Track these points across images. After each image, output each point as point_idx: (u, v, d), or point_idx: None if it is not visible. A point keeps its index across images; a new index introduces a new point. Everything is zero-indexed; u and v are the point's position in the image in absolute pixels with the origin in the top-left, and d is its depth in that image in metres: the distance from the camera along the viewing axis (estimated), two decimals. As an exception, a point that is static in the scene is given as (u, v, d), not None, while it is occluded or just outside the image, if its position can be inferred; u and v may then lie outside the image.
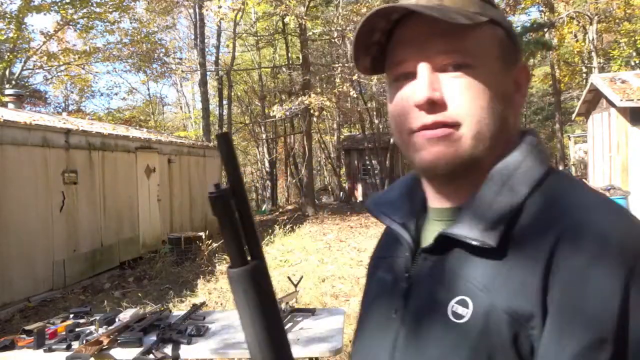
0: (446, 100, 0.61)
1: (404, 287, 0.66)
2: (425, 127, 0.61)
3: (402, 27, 0.64)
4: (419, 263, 0.66)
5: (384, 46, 0.67)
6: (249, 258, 0.56)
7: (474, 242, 0.57)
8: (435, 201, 0.69)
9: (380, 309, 0.70)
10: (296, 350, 2.24)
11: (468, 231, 0.58)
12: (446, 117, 0.61)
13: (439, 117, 0.61)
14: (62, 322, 2.60)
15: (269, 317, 0.56)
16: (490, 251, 0.57)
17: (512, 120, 0.65)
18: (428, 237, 0.66)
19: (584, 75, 21.72)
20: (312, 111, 14.61)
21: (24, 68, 16.81)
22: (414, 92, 0.61)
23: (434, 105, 0.60)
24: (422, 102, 0.60)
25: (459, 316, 0.57)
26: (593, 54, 19.43)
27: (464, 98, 0.61)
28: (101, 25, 16.98)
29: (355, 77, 14.94)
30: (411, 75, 0.63)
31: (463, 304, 0.57)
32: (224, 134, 0.55)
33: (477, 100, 0.61)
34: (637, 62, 19.65)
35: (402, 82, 0.64)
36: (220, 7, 13.36)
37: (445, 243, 0.61)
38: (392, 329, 0.65)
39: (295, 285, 2.87)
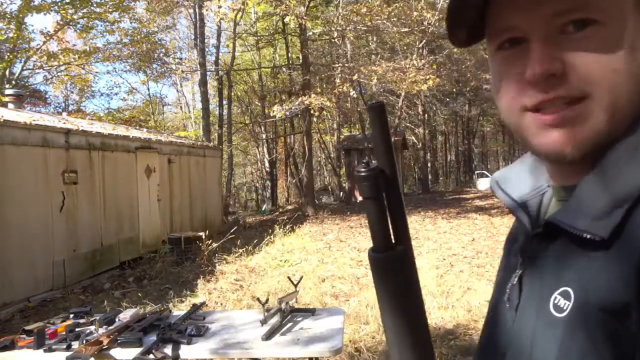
0: (568, 69, 0.50)
1: (518, 273, 0.60)
2: (543, 106, 0.52)
3: None
4: (532, 248, 0.58)
5: (483, 11, 0.55)
6: (394, 242, 0.52)
7: (581, 234, 0.49)
8: (553, 178, 0.60)
9: (500, 295, 0.65)
10: (296, 350, 2.24)
11: (574, 219, 0.50)
12: (570, 90, 0.50)
13: (560, 92, 0.50)
14: (62, 322, 2.61)
15: (413, 308, 0.52)
16: (600, 241, 0.48)
17: None
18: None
19: (584, 75, 21.72)
20: (312, 111, 14.60)
21: (24, 68, 16.81)
22: (527, 64, 0.51)
23: (552, 78, 0.50)
24: (537, 78, 0.50)
25: (559, 309, 0.50)
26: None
27: (591, 63, 0.49)
28: (101, 25, 16.98)
29: (355, 77, 14.95)
30: (521, 41, 0.53)
31: (566, 296, 0.50)
32: (379, 104, 0.50)
33: (609, 64, 0.49)
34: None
35: (509, 51, 0.54)
36: (220, 7, 13.35)
37: (553, 229, 0.54)
38: (507, 317, 0.60)
39: (295, 285, 2.87)
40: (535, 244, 0.58)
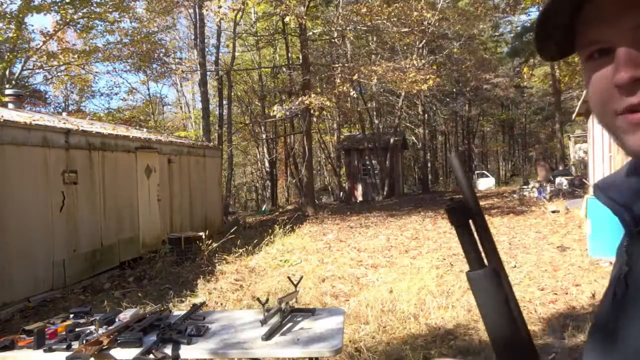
0: None
1: (625, 270, 0.63)
2: (632, 108, 0.56)
3: (592, 1, 0.57)
4: (637, 245, 0.62)
5: (570, 27, 0.60)
6: (486, 262, 0.60)
7: None
8: None
9: (607, 296, 0.68)
10: (296, 350, 2.24)
11: None
12: None
13: None
14: (62, 322, 2.60)
15: (511, 314, 0.59)
16: None
17: None
18: None
19: (584, 75, 21.74)
20: (312, 111, 14.61)
21: (24, 68, 16.81)
22: (614, 72, 0.56)
23: (638, 82, 0.55)
24: (624, 83, 0.55)
25: None
26: (593, 54, 19.44)
27: None
28: (101, 25, 16.99)
29: (355, 77, 14.95)
30: (609, 51, 0.57)
31: None
32: (458, 154, 0.59)
33: None
34: (637, 62, 19.67)
35: (598, 60, 0.59)
36: (220, 7, 13.35)
37: None
38: (612, 312, 0.64)
39: (295, 285, 2.87)
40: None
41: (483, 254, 0.61)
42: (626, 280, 0.62)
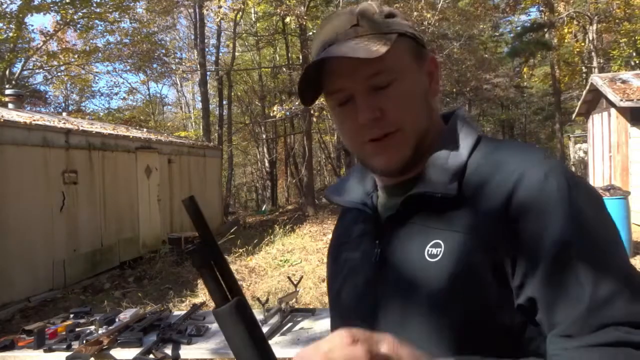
0: (386, 113, 0.73)
1: (377, 252, 0.77)
2: (374, 139, 0.74)
3: (330, 61, 0.73)
4: (387, 230, 0.77)
5: (317, 79, 0.76)
6: (230, 296, 0.61)
7: (440, 195, 0.70)
8: (384, 181, 0.82)
9: (356, 280, 0.80)
10: (296, 351, 2.24)
11: (433, 188, 0.72)
12: (389, 127, 0.73)
13: (384, 129, 0.73)
14: (62, 322, 2.61)
15: (259, 341, 0.60)
16: (452, 200, 0.70)
17: (435, 104, 0.81)
18: (387, 210, 0.79)
19: (584, 75, 21.72)
20: (312, 111, 14.60)
21: (24, 68, 16.81)
22: (358, 115, 0.73)
23: (376, 121, 0.73)
24: (367, 123, 0.73)
25: (433, 256, 0.69)
26: (593, 54, 19.43)
27: (399, 106, 0.73)
28: (101, 26, 16.98)
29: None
30: (352, 98, 0.74)
31: (436, 245, 0.69)
32: (190, 198, 0.61)
33: (409, 104, 0.74)
34: (637, 62, 19.64)
35: (346, 105, 0.75)
36: (220, 7, 13.34)
37: (411, 204, 0.74)
38: (371, 291, 0.76)
39: (295, 285, 2.87)
40: (391, 226, 0.77)
41: (227, 290, 0.61)
42: (381, 261, 0.76)
